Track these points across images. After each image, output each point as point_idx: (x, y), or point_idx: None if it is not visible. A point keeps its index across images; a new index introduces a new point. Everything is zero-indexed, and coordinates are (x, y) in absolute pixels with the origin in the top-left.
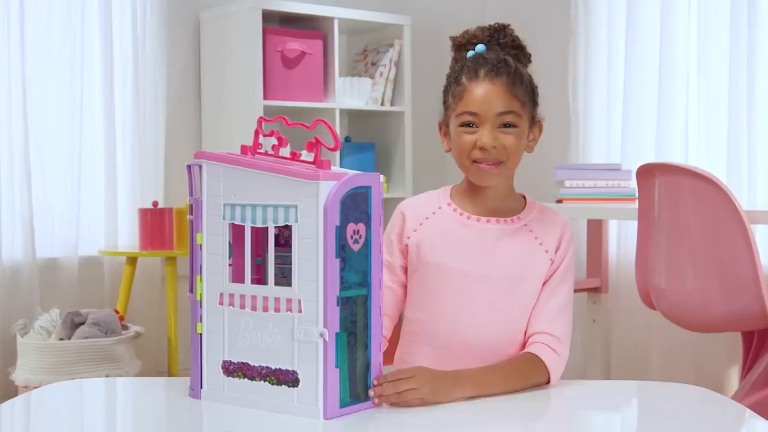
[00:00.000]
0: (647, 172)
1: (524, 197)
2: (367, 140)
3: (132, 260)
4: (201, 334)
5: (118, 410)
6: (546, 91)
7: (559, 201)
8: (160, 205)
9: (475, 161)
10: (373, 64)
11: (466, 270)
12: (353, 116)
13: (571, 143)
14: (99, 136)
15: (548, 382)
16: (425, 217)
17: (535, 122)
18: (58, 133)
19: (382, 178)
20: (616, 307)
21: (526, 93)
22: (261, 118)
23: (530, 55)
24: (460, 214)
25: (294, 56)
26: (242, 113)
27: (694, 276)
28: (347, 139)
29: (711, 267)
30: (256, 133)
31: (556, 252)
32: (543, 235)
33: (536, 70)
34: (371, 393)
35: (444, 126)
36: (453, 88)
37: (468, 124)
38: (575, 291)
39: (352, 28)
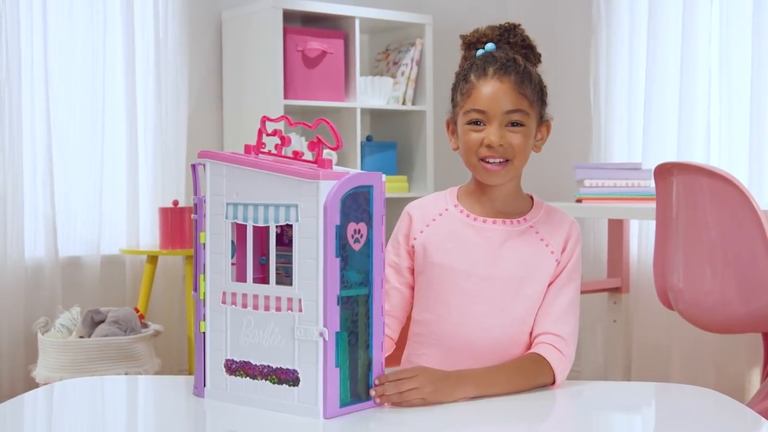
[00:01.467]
0: (665, 172)
1: (531, 198)
2: (389, 139)
3: (153, 259)
4: (204, 332)
5: (120, 408)
6: (567, 90)
7: (579, 200)
8: (181, 204)
9: (482, 159)
10: (395, 63)
11: (472, 271)
12: (374, 115)
13: (593, 142)
14: (121, 136)
15: (553, 382)
16: (432, 219)
17: (543, 122)
18: (80, 133)
19: (383, 177)
20: (637, 308)
21: (535, 92)
22: (264, 117)
23: (540, 55)
24: (467, 216)
25: (315, 56)
26: (263, 112)
27: (711, 276)
28: (368, 138)
29: (729, 267)
30: (260, 133)
31: (562, 253)
32: (549, 236)
33: (557, 69)
34: (372, 393)
35: (452, 124)
36: (461, 86)
37: (476, 122)
38: (596, 291)
39: (374, 28)
